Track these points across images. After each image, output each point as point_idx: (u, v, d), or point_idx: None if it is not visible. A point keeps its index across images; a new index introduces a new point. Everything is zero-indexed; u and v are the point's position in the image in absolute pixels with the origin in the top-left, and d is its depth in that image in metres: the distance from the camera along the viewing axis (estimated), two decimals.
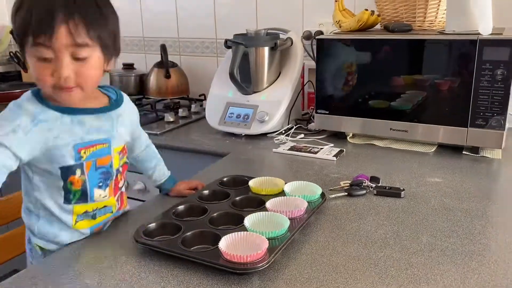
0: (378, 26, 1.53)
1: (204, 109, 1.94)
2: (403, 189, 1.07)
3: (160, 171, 1.10)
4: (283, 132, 1.59)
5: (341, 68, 1.42)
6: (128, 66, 2.16)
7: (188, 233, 0.84)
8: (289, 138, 1.52)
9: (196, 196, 1.02)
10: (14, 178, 0.85)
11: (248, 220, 0.86)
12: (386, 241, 0.87)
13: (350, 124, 1.45)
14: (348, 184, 1.10)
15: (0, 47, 2.44)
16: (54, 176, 0.85)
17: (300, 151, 1.39)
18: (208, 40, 2.13)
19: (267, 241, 0.78)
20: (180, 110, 1.84)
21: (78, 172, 0.85)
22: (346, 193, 1.07)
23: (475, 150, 1.32)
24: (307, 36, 1.81)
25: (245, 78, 1.58)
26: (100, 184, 0.89)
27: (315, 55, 1.68)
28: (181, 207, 0.95)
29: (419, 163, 1.29)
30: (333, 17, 1.53)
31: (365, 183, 1.10)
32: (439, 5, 1.41)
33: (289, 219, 0.86)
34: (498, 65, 1.19)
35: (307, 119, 1.71)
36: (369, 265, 0.79)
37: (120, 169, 0.94)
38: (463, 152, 1.34)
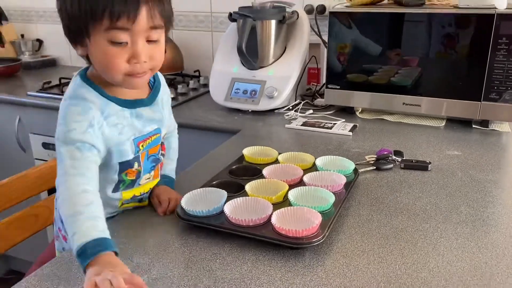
0: (385, 1, 1.52)
1: (202, 85, 1.92)
2: (430, 162, 1.08)
3: (168, 166, 0.98)
4: (291, 108, 1.57)
5: (354, 43, 1.40)
6: None
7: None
8: (298, 113, 1.51)
9: (226, 171, 0.99)
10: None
11: (292, 195, 0.85)
12: (427, 213, 0.87)
13: (362, 99, 1.44)
14: (374, 158, 1.10)
15: None
16: (109, 170, 0.80)
17: (314, 126, 1.38)
18: (202, 13, 2.07)
19: (320, 215, 0.77)
20: (180, 87, 1.78)
21: (136, 165, 0.83)
22: (374, 167, 1.07)
23: (485, 123, 1.35)
24: (309, 10, 1.79)
25: (250, 53, 1.54)
26: (150, 170, 0.87)
27: (319, 30, 1.67)
28: (216, 182, 0.92)
29: (433, 136, 1.30)
30: None
31: (390, 157, 1.10)
32: None
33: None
34: None
35: (311, 94, 1.70)
36: (418, 237, 0.79)
37: (163, 151, 0.91)
38: (473, 126, 1.36)
